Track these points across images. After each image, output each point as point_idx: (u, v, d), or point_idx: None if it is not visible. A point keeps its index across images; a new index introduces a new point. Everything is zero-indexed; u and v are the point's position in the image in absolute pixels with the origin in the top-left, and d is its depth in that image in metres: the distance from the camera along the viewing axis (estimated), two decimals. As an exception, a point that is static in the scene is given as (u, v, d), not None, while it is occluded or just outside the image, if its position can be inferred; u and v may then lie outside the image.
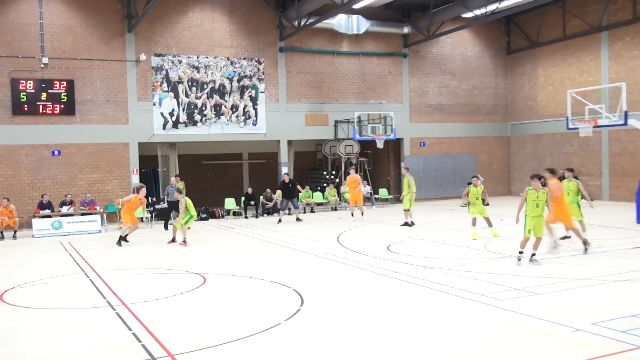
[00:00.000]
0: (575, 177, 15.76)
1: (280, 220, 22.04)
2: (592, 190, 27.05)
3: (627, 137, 25.37)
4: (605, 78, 26.35)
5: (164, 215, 21.28)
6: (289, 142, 26.82)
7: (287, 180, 22.78)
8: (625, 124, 18.41)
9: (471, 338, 7.70)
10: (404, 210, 19.54)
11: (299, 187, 23.25)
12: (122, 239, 17.28)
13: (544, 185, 12.87)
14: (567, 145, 28.38)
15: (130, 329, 8.42)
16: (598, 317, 8.27)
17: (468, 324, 8.30)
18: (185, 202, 16.72)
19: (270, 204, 24.59)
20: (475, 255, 13.55)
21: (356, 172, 23.96)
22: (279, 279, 11.60)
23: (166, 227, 20.47)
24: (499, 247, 14.62)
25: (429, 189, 29.04)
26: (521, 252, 12.36)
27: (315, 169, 31.13)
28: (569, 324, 8.00)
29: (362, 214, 22.06)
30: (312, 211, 25.17)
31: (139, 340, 7.87)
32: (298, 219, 22.36)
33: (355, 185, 21.98)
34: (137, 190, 17.87)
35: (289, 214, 23.43)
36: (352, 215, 22.29)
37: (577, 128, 19.65)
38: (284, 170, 25.84)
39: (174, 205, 20.13)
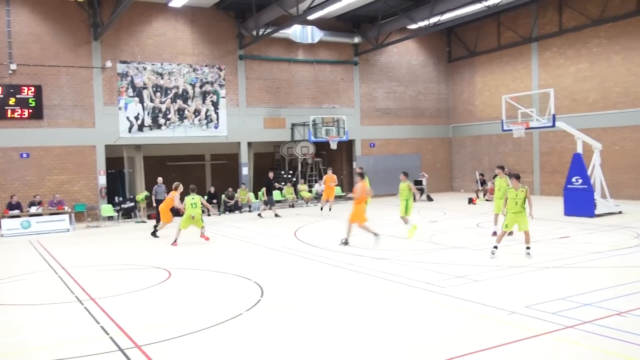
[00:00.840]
0: (508, 175, 15.97)
1: (260, 215, 22.20)
2: (525, 185, 27.71)
3: (556, 138, 26.11)
4: (535, 84, 27.06)
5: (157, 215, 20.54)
6: (249, 144, 26.65)
7: (271, 177, 23.13)
8: (554, 126, 18.90)
9: (417, 323, 7.80)
10: (325, 200, 19.81)
11: (277, 184, 23.78)
12: (154, 233, 17.32)
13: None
14: (502, 146, 29.02)
15: (98, 322, 8.23)
16: (531, 300, 8.48)
17: (414, 309, 8.40)
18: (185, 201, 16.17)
19: (232, 202, 24.42)
20: (421, 247, 13.73)
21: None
22: (240, 272, 11.52)
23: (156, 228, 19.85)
24: (443, 239, 14.85)
25: (379, 186, 29.23)
26: (495, 247, 12.11)
27: (274, 169, 30.98)
28: (505, 307, 8.19)
29: (330, 209, 22.12)
30: (270, 208, 25.03)
31: (107, 333, 7.70)
32: (277, 215, 22.34)
33: (331, 182, 22.31)
34: (175, 188, 17.45)
35: (268, 209, 23.25)
36: (322, 209, 22.31)
37: (511, 130, 20.07)
38: (245, 167, 25.68)
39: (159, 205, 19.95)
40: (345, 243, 14.36)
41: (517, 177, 12.44)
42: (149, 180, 24.42)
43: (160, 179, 20.65)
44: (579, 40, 25.18)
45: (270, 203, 22.71)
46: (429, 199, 27.10)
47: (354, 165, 29.21)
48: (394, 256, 12.59)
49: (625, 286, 9.16)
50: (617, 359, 6.22)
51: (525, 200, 12.10)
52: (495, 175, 15.89)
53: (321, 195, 26.64)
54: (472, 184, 29.91)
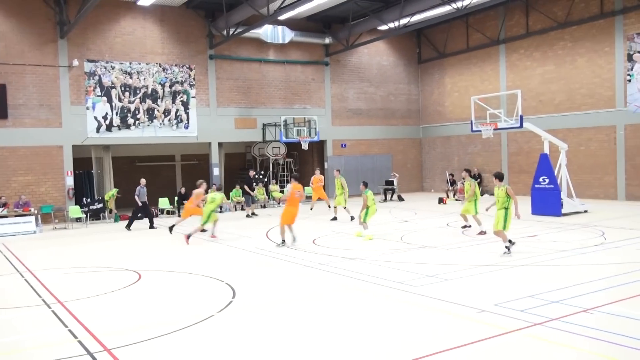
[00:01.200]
0: (473, 177, 16.31)
1: (251, 214, 22.26)
2: (493, 186, 28.09)
3: (523, 139, 26.56)
4: (503, 86, 27.49)
5: (136, 215, 20.25)
6: (220, 144, 26.46)
7: (252, 175, 23.29)
8: (521, 126, 19.21)
9: (388, 322, 7.84)
10: (334, 207, 19.81)
11: (256, 185, 24.07)
12: (170, 228, 17.34)
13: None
14: (471, 146, 29.40)
15: (66, 326, 8.07)
16: (500, 298, 8.61)
17: (386, 309, 8.45)
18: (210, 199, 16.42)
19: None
20: (392, 247, 13.82)
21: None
22: (212, 273, 11.43)
23: (129, 227, 19.66)
24: (414, 239, 14.97)
25: (350, 187, 29.02)
26: (509, 245, 12.12)
27: (245, 169, 30.83)
28: (475, 305, 8.29)
29: (329, 207, 21.97)
30: (242, 209, 24.93)
31: (75, 337, 7.55)
32: (254, 214, 22.54)
33: (319, 182, 22.41)
34: (199, 185, 17.47)
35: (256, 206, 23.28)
36: (311, 209, 22.43)
37: (480, 130, 20.34)
38: (216, 168, 25.49)
39: (145, 206, 19.84)
40: (283, 243, 14.49)
41: (496, 176, 12.81)
42: (118, 182, 24.11)
43: (143, 181, 20.35)
44: (545, 42, 25.67)
45: (246, 202, 22.80)
46: (400, 198, 27.30)
47: (326, 165, 29.27)
48: (366, 256, 12.64)
49: (590, 283, 9.36)
50: (583, 354, 6.35)
51: (507, 199, 12.30)
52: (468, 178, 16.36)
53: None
54: (442, 184, 30.25)
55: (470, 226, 16.21)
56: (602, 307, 7.96)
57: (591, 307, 7.94)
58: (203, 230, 16.82)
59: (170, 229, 17.54)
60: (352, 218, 19.18)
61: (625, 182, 22.75)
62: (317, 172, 23.26)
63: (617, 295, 8.59)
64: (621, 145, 22.97)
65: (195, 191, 17.19)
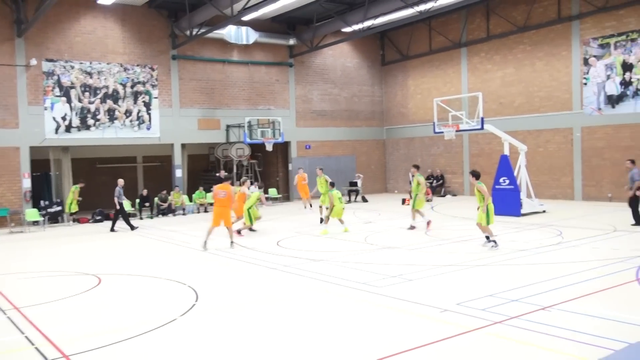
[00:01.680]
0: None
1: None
2: (455, 187, 28.61)
3: (484, 140, 27.03)
4: (465, 88, 27.93)
5: (119, 216, 19.84)
6: (183, 146, 26.16)
7: (222, 176, 23.15)
8: (482, 128, 19.55)
9: (352, 322, 7.87)
10: (319, 206, 19.90)
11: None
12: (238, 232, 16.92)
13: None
14: (434, 148, 29.78)
15: (22, 333, 7.85)
16: (462, 298, 8.74)
17: (350, 310, 8.48)
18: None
19: (165, 205, 23.91)
20: (356, 248, 13.88)
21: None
22: (174, 276, 11.29)
23: (112, 229, 19.44)
24: (378, 240, 15.08)
25: (314, 187, 29.39)
26: (493, 241, 13.02)
27: (209, 170, 30.59)
28: (438, 305, 8.40)
29: (311, 205, 22.38)
30: (205, 211, 24.69)
31: (32, 344, 7.35)
32: None
33: (303, 181, 22.49)
34: (242, 183, 17.50)
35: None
36: (305, 207, 22.46)
37: (442, 132, 20.60)
38: (178, 170, 25.19)
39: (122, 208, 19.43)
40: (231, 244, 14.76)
41: (471, 174, 13.75)
42: (81, 183, 23.53)
43: (121, 181, 19.90)
44: (505, 46, 26.19)
45: None
46: (364, 200, 27.46)
47: (290, 167, 29.24)
48: (330, 257, 12.66)
49: (549, 282, 9.58)
50: (542, 352, 6.50)
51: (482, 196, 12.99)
52: (414, 175, 16.64)
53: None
54: (405, 185, 30.51)
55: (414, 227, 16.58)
56: (559, 304, 8.16)
57: (549, 305, 8.13)
58: (252, 230, 17.18)
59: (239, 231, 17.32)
60: (322, 220, 19.03)
61: (582, 183, 23.37)
62: (301, 170, 23.23)
63: (573, 293, 8.81)
64: (578, 147, 23.60)
65: (240, 189, 17.47)
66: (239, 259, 13.07)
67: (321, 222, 18.26)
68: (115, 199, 19.36)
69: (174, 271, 11.88)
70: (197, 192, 24.77)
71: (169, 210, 23.95)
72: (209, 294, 9.78)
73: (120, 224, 19.77)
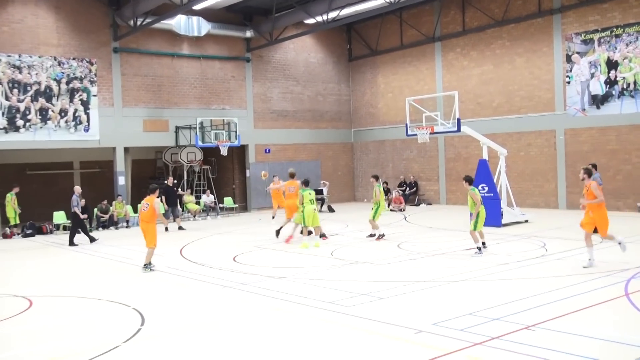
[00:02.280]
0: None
1: (167, 229, 21.67)
2: (430, 195, 28.91)
3: (461, 143, 27.43)
4: (440, 86, 28.33)
5: (77, 229, 19.49)
6: (126, 150, 25.78)
7: (171, 184, 22.96)
8: (459, 130, 19.82)
9: (318, 346, 7.84)
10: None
11: (181, 191, 24.24)
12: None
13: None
14: (407, 151, 30.07)
15: (-61, 365, 7.57)
16: (438, 317, 8.80)
17: (315, 332, 8.44)
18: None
19: (106, 217, 23.50)
20: (322, 263, 13.86)
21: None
22: (117, 297, 11.07)
23: (72, 242, 19.08)
24: (346, 254, 15.09)
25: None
26: (480, 247, 14.04)
27: (155, 177, 30.20)
28: (412, 326, 8.43)
29: (274, 217, 22.42)
30: (174, 220, 24.35)
31: (-49, 377, 7.10)
32: (181, 228, 22.23)
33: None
34: (292, 175, 17.99)
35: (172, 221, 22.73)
36: (274, 217, 22.40)
37: (415, 134, 20.80)
38: (121, 177, 24.80)
39: (76, 217, 19.04)
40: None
41: (465, 180, 14.53)
42: (3, 193, 22.93)
43: (78, 189, 19.50)
44: (483, 41, 26.68)
45: (173, 214, 22.69)
46: (330, 209, 27.51)
47: (247, 173, 29.11)
48: (292, 274, 12.61)
49: (532, 298, 9.73)
50: (526, 375, 6.57)
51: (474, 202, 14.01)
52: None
53: (211, 207, 26.68)
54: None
55: (382, 235, 17.17)
56: (544, 323, 8.28)
57: (533, 324, 8.25)
58: (323, 236, 17.24)
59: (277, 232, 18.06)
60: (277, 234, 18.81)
61: (566, 190, 23.90)
62: (276, 178, 23.20)
63: (559, 310, 8.96)
64: (561, 151, 24.15)
65: (289, 183, 17.90)
66: (190, 277, 12.91)
67: (277, 235, 18.22)
68: (75, 209, 18.97)
69: (117, 291, 11.66)
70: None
71: (110, 223, 23.55)
72: (156, 316, 9.63)
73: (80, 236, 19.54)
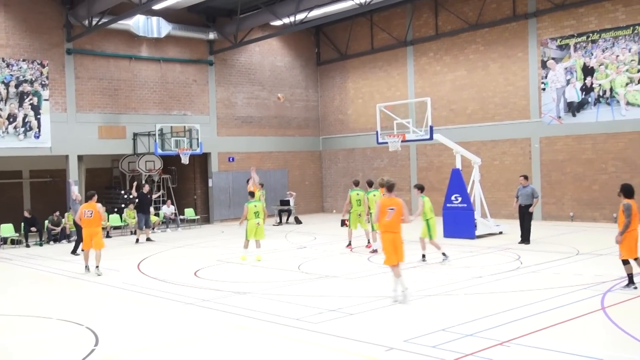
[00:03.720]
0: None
1: (138, 241, 21.78)
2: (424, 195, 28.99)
3: (433, 152, 27.71)
4: (412, 92, 28.61)
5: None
6: (80, 158, 25.44)
7: (146, 191, 22.78)
8: (431, 138, 20.03)
9: (286, 366, 7.83)
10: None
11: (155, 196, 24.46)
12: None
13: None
14: (377, 160, 30.26)
15: None
16: (410, 333, 8.86)
17: (282, 351, 8.43)
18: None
19: (58, 229, 23.12)
20: (288, 277, 13.85)
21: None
22: (69, 316, 10.91)
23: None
24: (314, 268, 15.10)
25: (239, 207, 29.06)
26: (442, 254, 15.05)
27: (112, 187, 29.85)
28: (383, 343, 8.47)
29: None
30: (107, 236, 24.04)
31: None
32: (149, 239, 22.07)
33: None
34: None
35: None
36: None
37: (386, 142, 20.95)
38: (74, 187, 24.44)
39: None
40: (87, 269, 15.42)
41: (417, 188, 15.87)
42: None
43: (76, 190, 19.18)
44: (456, 45, 27.04)
45: (145, 224, 22.46)
46: (297, 221, 27.50)
47: (210, 183, 28.96)
48: (258, 289, 12.57)
49: (507, 313, 9.86)
50: (500, 393, 6.65)
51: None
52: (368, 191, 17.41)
53: (171, 218, 26.43)
54: (345, 203, 30.78)
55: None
56: (519, 338, 8.40)
57: (508, 340, 8.36)
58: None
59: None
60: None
61: (542, 201, 24.26)
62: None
63: (534, 325, 9.10)
64: (536, 160, 24.56)
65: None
66: (148, 293, 12.78)
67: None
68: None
69: (68, 309, 11.49)
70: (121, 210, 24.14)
71: (62, 236, 23.16)
72: (111, 336, 9.51)
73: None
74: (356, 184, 18.40)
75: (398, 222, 11.08)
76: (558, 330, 8.87)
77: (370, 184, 18.13)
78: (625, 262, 11.22)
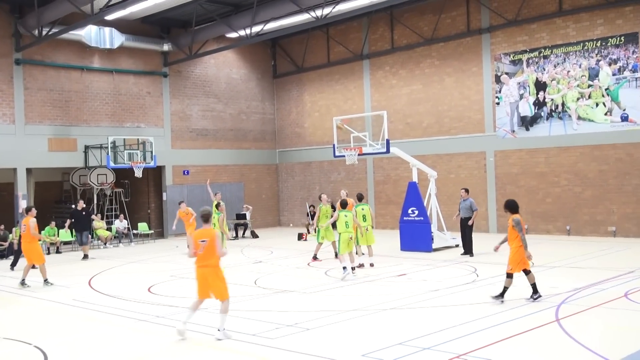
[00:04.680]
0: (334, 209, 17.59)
1: (86, 257, 21.50)
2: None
3: (390, 165, 27.97)
4: (368, 106, 28.86)
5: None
6: (29, 171, 24.88)
7: (80, 207, 22.45)
8: (388, 152, 20.20)
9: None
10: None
11: (94, 216, 23.91)
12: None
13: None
14: (334, 174, 30.38)
15: None
16: (368, 348, 8.88)
17: (238, 368, 8.36)
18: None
19: (5, 245, 22.55)
20: (245, 292, 13.76)
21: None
22: (16, 334, 10.63)
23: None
24: (271, 282, 15.05)
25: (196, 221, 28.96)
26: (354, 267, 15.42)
27: (62, 202, 29.28)
28: (341, 357, 8.48)
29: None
30: (57, 251, 23.53)
31: None
32: (85, 256, 21.60)
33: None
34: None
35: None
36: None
37: (343, 156, 21.08)
38: (23, 201, 23.89)
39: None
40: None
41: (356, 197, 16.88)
42: None
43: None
44: (412, 59, 27.42)
45: (80, 241, 22.22)
46: (254, 235, 27.39)
47: (164, 197, 28.64)
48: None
49: (464, 326, 9.98)
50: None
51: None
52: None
53: (124, 233, 26.07)
54: (302, 217, 30.82)
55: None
56: (476, 351, 8.50)
57: (464, 352, 8.45)
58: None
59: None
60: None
61: (497, 213, 24.71)
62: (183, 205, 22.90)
63: (490, 337, 9.23)
64: (491, 173, 25.02)
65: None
66: (100, 310, 12.55)
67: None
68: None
69: (17, 328, 11.22)
70: (47, 228, 23.57)
71: (9, 252, 22.58)
72: (61, 355, 9.32)
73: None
74: (360, 198, 17.94)
75: (212, 255, 9.94)
76: (514, 342, 9.01)
77: (360, 197, 17.96)
78: (509, 276, 11.67)
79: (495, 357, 8.26)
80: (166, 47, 28.27)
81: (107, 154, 24.98)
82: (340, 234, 15.21)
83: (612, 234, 21.89)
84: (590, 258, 17.27)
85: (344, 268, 15.01)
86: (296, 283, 14.74)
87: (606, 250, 18.65)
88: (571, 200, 22.95)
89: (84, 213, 22.62)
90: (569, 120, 22.99)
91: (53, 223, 24.09)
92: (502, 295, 11.69)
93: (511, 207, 11.96)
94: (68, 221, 22.90)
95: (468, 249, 18.34)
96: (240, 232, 27.81)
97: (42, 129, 25.06)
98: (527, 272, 11.73)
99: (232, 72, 31.41)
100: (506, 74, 24.55)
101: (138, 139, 26.28)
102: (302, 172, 31.95)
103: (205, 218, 10.11)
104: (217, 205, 19.85)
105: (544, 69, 23.54)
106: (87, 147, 26.07)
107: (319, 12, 23.42)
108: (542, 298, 11.72)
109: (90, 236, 23.34)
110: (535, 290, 11.71)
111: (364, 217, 16.98)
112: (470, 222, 18.32)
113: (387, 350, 8.71)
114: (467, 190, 18.94)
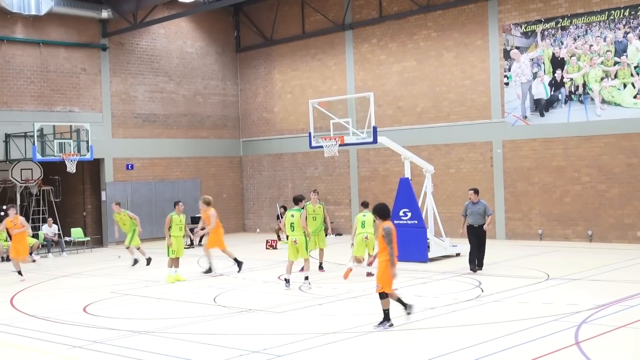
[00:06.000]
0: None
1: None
2: (340, 223, 29.22)
3: (378, 158, 27.98)
4: (352, 86, 28.84)
5: None
6: (-64, 165, 24.65)
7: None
8: (375, 141, 20.11)
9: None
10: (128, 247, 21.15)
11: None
12: None
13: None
14: (311, 168, 30.33)
15: None
16: (351, 378, 8.89)
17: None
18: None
19: None
20: (201, 312, 13.70)
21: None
22: None
23: None
24: (233, 300, 14.99)
25: (143, 225, 28.76)
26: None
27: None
28: (318, 390, 8.47)
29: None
30: (2, 259, 23.38)
31: None
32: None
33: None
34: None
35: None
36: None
37: (321, 146, 20.99)
38: None
39: None
40: None
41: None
42: None
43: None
44: (404, 30, 27.45)
45: None
46: (199, 243, 27.25)
47: (103, 196, 28.43)
48: (162, 327, 12.38)
49: (466, 350, 9.99)
50: None
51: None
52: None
53: (53, 240, 25.82)
54: (271, 220, 30.75)
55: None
56: (480, 381, 8.55)
57: (467, 383, 8.49)
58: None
59: None
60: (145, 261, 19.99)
61: (505, 216, 24.84)
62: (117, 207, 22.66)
63: (498, 364, 9.27)
64: (499, 168, 25.11)
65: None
66: (24, 334, 12.42)
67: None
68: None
69: None
70: None
71: None
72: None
73: None
74: (365, 205, 18.10)
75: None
76: (525, 370, 9.05)
77: (365, 205, 18.18)
78: (383, 296, 11.47)
79: (503, 388, 8.30)
80: (105, 13, 28.07)
81: (33, 144, 24.74)
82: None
83: (642, 241, 22.12)
84: (616, 269, 17.44)
85: (306, 278, 16.07)
86: (263, 300, 14.68)
87: (635, 260, 18.81)
88: (594, 200, 23.11)
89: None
90: (592, 105, 23.16)
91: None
92: (387, 320, 11.44)
93: (381, 212, 11.80)
94: None
95: (480, 263, 17.54)
96: (196, 240, 27.65)
97: (-49, 113, 24.85)
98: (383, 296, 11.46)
99: (187, 45, 31.24)
100: (517, 48, 24.66)
101: (71, 126, 26.07)
102: (271, 167, 31.87)
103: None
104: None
105: (562, 43, 23.68)
106: (7, 136, 25.88)
107: (291, -27, 23.38)
108: (562, 317, 11.79)
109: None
110: (387, 318, 11.47)
111: (363, 223, 17.56)
112: (485, 227, 17.54)
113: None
114: (476, 192, 18.10)
